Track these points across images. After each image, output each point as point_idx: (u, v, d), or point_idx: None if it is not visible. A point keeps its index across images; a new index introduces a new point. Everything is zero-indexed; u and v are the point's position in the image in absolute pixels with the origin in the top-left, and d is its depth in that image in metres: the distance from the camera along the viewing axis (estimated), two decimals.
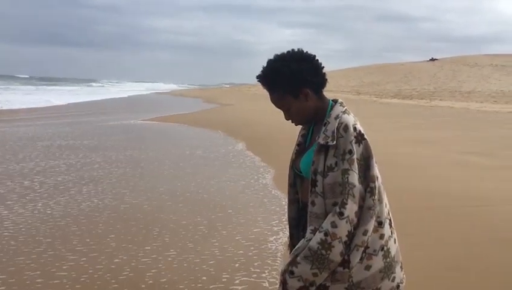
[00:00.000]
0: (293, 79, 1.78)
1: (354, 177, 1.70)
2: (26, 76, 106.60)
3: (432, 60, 64.60)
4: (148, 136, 13.28)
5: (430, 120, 18.02)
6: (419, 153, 9.93)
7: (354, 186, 1.70)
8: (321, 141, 1.75)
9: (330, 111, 1.82)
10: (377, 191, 1.75)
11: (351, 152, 1.71)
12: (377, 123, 15.30)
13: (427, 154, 9.86)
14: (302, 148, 1.93)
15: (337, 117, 1.78)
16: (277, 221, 5.47)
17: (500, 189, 6.69)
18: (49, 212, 5.79)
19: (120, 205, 6.12)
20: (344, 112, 1.80)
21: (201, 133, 13.95)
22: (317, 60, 1.83)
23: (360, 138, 1.75)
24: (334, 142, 1.72)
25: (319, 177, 1.73)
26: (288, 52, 1.83)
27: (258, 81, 1.84)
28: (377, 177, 1.78)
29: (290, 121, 1.90)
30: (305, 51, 1.83)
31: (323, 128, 1.78)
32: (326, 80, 1.86)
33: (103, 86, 77.57)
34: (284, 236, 4.94)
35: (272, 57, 1.84)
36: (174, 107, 26.37)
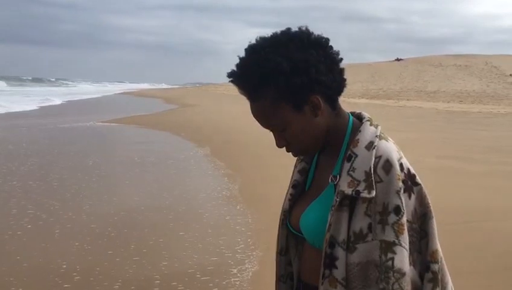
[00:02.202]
0: (296, 79, 1.09)
1: (403, 257, 1.06)
2: None
3: (398, 60, 65.33)
4: (90, 140, 12.04)
5: (400, 121, 17.58)
6: None
7: (403, 274, 1.06)
8: (345, 188, 1.09)
9: (353, 134, 1.16)
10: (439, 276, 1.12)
11: (398, 211, 1.06)
12: None
13: None
14: (300, 191, 1.26)
15: (370, 146, 1.11)
16: (242, 245, 4.62)
17: (489, 199, 6.06)
18: None
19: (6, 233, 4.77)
20: (380, 137, 1.14)
21: (158, 136, 12.82)
22: (332, 46, 1.15)
23: (411, 183, 1.10)
24: (373, 193, 1.06)
25: (340, 252, 1.08)
26: (283, 32, 1.14)
27: (232, 81, 1.14)
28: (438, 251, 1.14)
29: (285, 148, 1.19)
30: (311, 31, 1.14)
31: (347, 165, 1.11)
32: (345, 80, 1.18)
33: (69, 86, 75.83)
34: (252, 267, 4.10)
35: (252, 43, 1.14)
36: (139, 107, 25.09)
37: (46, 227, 5.07)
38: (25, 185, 6.84)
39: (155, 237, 4.79)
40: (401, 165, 1.09)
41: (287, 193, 1.28)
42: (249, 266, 4.13)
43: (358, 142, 1.12)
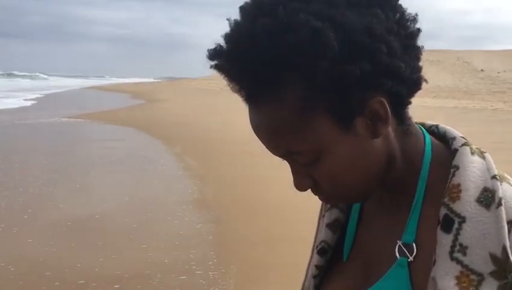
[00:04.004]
0: (351, 66, 0.52)
1: None
2: None
3: None
4: (48, 138, 11.12)
5: None
6: None
7: None
8: None
9: (434, 166, 0.61)
10: None
11: None
12: None
13: None
14: (331, 260, 0.69)
15: (491, 200, 0.55)
16: (216, 261, 4.00)
17: None
18: None
19: None
20: (501, 178, 0.57)
21: (123, 133, 11.93)
22: (401, 5, 0.59)
23: None
24: None
25: None
26: None
27: (217, 68, 0.56)
28: None
29: (312, 191, 0.61)
30: None
31: (447, 238, 0.55)
32: (421, 68, 0.60)
33: (46, 79, 73.78)
34: (226, 286, 3.50)
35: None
36: (106, 102, 24.05)
37: None
38: None
39: (110, 251, 4.09)
40: None
41: (309, 264, 0.71)
42: (223, 286, 3.52)
43: (460, 190, 0.57)
